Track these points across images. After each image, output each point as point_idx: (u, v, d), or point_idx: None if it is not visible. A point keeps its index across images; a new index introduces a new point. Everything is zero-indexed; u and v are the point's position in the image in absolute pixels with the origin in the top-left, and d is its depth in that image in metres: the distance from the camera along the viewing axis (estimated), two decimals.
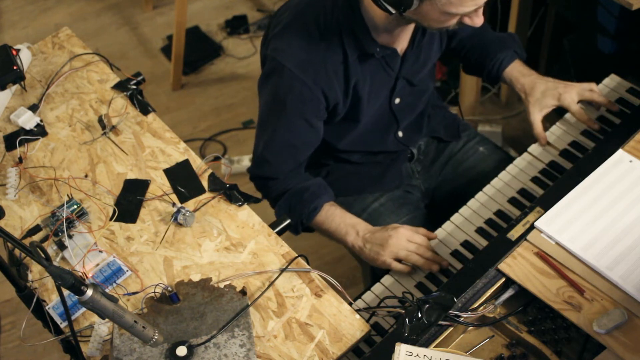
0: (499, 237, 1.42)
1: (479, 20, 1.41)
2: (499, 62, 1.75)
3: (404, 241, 1.55)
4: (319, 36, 1.51)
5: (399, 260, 1.55)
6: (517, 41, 1.81)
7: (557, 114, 1.72)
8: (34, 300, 1.32)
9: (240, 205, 1.52)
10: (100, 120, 1.67)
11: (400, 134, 1.77)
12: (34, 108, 1.72)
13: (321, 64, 1.51)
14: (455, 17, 1.38)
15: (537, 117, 1.67)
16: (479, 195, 1.64)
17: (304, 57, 1.51)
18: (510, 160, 1.72)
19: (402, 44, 1.59)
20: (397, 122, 1.73)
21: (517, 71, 1.74)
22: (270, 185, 1.67)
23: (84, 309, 1.37)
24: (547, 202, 1.43)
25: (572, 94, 1.65)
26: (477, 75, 1.88)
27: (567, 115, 1.71)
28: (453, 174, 1.86)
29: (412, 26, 1.56)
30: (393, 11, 1.37)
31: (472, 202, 1.63)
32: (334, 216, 1.62)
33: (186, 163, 1.60)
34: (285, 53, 1.52)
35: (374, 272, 1.69)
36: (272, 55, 1.54)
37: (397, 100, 1.68)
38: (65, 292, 1.10)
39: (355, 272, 2.46)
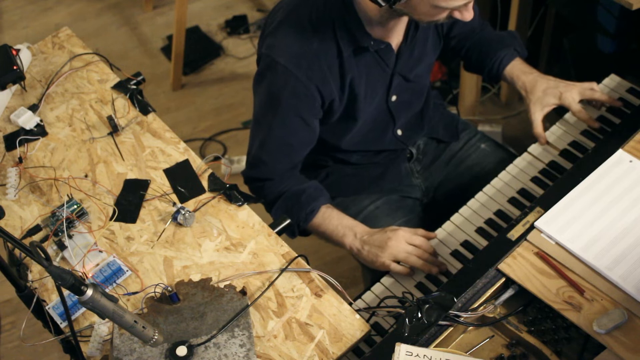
0: (499, 237, 1.42)
1: (468, 15, 1.41)
2: (499, 61, 1.75)
3: (403, 243, 1.54)
4: (312, 32, 1.51)
5: (398, 262, 1.55)
6: (518, 39, 1.80)
7: (557, 113, 1.72)
8: (34, 300, 1.32)
9: (240, 205, 1.52)
10: (110, 119, 1.65)
11: (399, 132, 1.77)
12: (34, 108, 1.72)
13: (315, 59, 1.51)
14: (445, 10, 1.39)
15: (537, 116, 1.67)
16: (479, 196, 1.64)
17: (297, 52, 1.51)
18: (512, 157, 1.72)
19: (396, 38, 1.58)
20: (393, 119, 1.73)
21: (518, 69, 1.74)
22: (266, 187, 1.66)
23: (84, 309, 1.37)
24: (547, 202, 1.43)
25: (573, 92, 1.65)
26: (477, 73, 1.88)
27: (567, 115, 1.71)
28: (455, 172, 1.86)
29: (405, 20, 1.56)
30: (383, 3, 1.37)
31: (472, 202, 1.63)
32: (331, 218, 1.62)
33: (186, 163, 1.60)
34: (279, 49, 1.52)
35: (374, 272, 1.69)
36: (266, 53, 1.54)
37: (394, 98, 1.68)
38: (65, 292, 1.10)
39: (355, 272, 2.45)
